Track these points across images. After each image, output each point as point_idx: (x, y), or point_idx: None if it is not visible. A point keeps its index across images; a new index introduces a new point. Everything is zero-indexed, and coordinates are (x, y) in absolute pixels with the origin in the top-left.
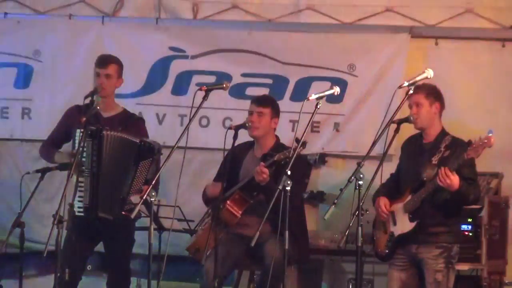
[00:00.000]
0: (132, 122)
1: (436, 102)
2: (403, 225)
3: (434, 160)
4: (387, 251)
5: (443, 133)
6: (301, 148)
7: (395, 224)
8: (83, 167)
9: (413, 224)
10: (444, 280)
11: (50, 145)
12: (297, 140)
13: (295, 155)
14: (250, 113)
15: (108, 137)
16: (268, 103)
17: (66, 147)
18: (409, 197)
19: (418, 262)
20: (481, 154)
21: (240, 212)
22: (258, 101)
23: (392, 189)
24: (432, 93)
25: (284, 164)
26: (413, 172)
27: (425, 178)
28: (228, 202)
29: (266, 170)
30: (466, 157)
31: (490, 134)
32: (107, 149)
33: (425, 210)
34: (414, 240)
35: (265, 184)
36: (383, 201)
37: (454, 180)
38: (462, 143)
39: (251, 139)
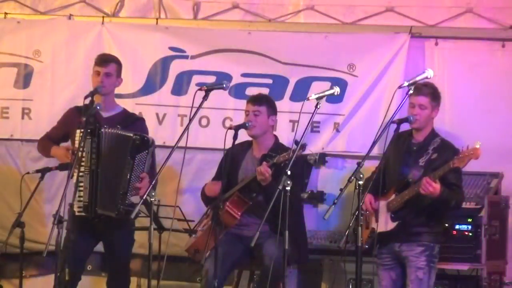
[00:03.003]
0: (133, 122)
1: (437, 107)
2: (385, 223)
3: (421, 161)
4: (366, 246)
5: (433, 134)
6: (301, 151)
7: (377, 221)
8: (83, 166)
9: (394, 224)
10: (425, 278)
11: (47, 141)
12: (297, 142)
13: (294, 157)
14: (247, 113)
15: (106, 134)
16: (262, 102)
17: None
18: (393, 196)
19: (402, 260)
20: (466, 164)
21: (239, 213)
22: (253, 100)
23: (377, 184)
24: (436, 97)
25: (284, 165)
26: (399, 172)
27: (410, 180)
28: (227, 204)
29: (269, 170)
30: (452, 165)
31: (478, 146)
32: (105, 147)
33: (407, 211)
34: (396, 239)
35: (266, 184)
36: (368, 198)
37: (436, 187)
38: (451, 148)
39: (250, 139)
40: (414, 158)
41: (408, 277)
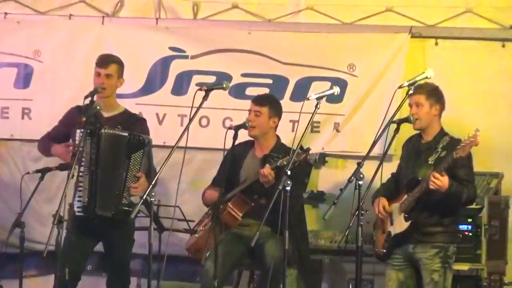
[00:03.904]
0: (134, 122)
1: (436, 104)
2: (400, 224)
3: (431, 160)
4: (384, 250)
5: (442, 133)
6: (304, 155)
7: (392, 223)
8: (82, 166)
9: (408, 224)
10: (441, 280)
11: (48, 140)
12: (301, 148)
13: (298, 162)
14: (249, 112)
15: (106, 135)
16: (265, 103)
17: None
18: (405, 197)
19: (415, 262)
20: (468, 151)
21: (240, 215)
22: (256, 100)
23: (392, 189)
24: (434, 94)
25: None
26: (410, 172)
27: (420, 178)
28: (229, 204)
29: (272, 172)
30: (455, 156)
31: (478, 133)
32: (105, 147)
33: (420, 210)
34: (410, 240)
35: (269, 186)
36: (382, 202)
37: (443, 181)
38: (458, 143)
39: (252, 139)
40: (424, 158)
41: (423, 280)
